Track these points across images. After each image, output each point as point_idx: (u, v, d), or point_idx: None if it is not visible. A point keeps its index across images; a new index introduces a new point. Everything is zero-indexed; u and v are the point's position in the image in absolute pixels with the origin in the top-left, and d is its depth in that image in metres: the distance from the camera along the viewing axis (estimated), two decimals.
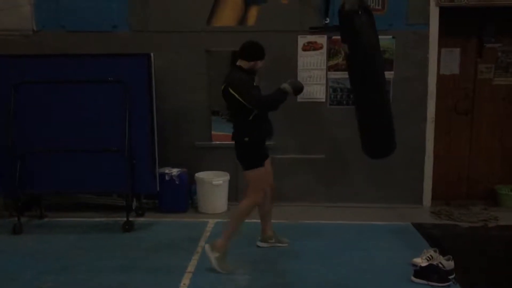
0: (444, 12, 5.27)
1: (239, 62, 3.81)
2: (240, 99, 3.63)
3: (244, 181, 3.97)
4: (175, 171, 5.26)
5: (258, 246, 4.24)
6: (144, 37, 5.36)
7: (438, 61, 5.43)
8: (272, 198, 4.20)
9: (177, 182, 5.22)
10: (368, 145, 4.30)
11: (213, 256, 3.70)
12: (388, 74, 5.34)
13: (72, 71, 4.79)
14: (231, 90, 3.66)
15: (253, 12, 5.36)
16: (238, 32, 5.31)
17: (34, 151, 4.79)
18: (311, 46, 5.36)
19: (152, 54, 4.85)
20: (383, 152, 4.34)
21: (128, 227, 4.71)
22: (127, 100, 4.71)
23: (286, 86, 3.77)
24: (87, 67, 4.81)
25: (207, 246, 3.76)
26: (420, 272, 3.56)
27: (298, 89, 3.83)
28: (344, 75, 5.34)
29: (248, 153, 3.79)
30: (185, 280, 3.60)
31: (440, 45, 5.38)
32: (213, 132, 5.55)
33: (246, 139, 3.75)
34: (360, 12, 3.82)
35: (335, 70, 5.40)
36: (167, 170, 5.24)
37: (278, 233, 4.35)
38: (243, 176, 3.93)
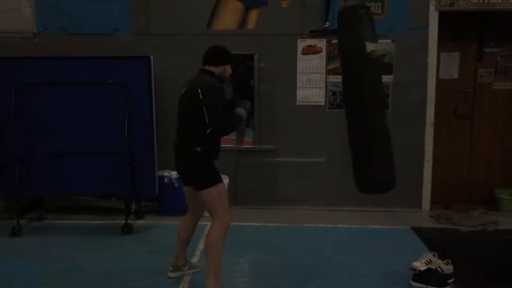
0: (443, 17, 5.29)
1: (208, 68, 3.41)
2: (204, 109, 3.17)
3: (205, 204, 3.32)
4: (174, 173, 5.25)
5: (170, 277, 3.67)
6: (144, 40, 5.38)
7: (437, 65, 5.44)
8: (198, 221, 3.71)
9: (176, 185, 5.21)
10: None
11: None
12: (388, 78, 5.37)
13: (73, 73, 4.81)
14: (200, 95, 3.18)
15: (253, 15, 5.37)
16: (239, 35, 5.33)
17: (35, 154, 4.80)
18: (310, 50, 5.37)
19: (152, 57, 4.86)
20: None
21: (127, 229, 4.71)
22: (127, 103, 4.73)
23: (242, 112, 3.38)
24: (88, 70, 4.83)
25: None
26: (419, 276, 3.56)
27: (248, 112, 3.47)
28: None
29: (204, 167, 3.26)
30: (184, 284, 3.60)
31: (440, 49, 5.40)
32: None
33: (199, 148, 3.22)
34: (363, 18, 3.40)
35: (334, 74, 5.41)
36: (166, 173, 5.25)
37: (277, 237, 4.33)
38: (202, 199, 3.28)
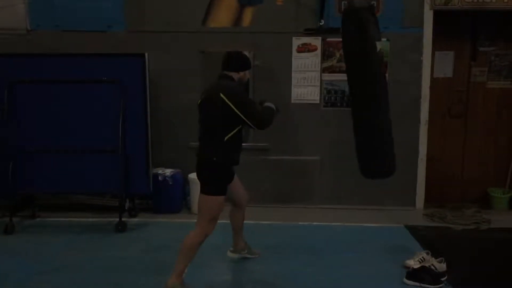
0: (438, 16, 5.30)
1: (227, 73, 3.47)
2: (238, 112, 3.23)
3: (199, 206, 3.39)
4: (168, 171, 5.25)
5: (228, 256, 3.99)
6: (139, 37, 5.36)
7: (432, 64, 5.45)
8: (245, 209, 3.88)
9: (170, 183, 5.21)
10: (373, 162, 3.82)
11: None
12: None
13: (67, 70, 4.79)
14: (226, 100, 3.22)
15: (248, 13, 5.36)
16: (233, 33, 5.33)
17: (28, 151, 4.77)
18: (305, 48, 5.37)
19: (146, 54, 4.85)
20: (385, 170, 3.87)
21: (121, 227, 4.70)
22: (121, 100, 4.71)
23: (271, 105, 3.55)
24: (82, 67, 4.80)
25: None
26: (413, 274, 3.58)
27: (277, 111, 3.59)
28: (338, 77, 5.38)
29: (215, 176, 3.33)
30: None
31: (434, 48, 5.41)
32: None
33: (215, 158, 3.30)
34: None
35: (329, 72, 5.41)
36: (160, 171, 5.23)
37: (271, 235, 4.34)
38: (199, 200, 3.37)
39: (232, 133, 3.30)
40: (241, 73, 3.50)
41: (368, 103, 3.61)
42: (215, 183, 3.33)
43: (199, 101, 3.44)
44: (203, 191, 3.34)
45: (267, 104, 3.55)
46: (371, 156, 3.76)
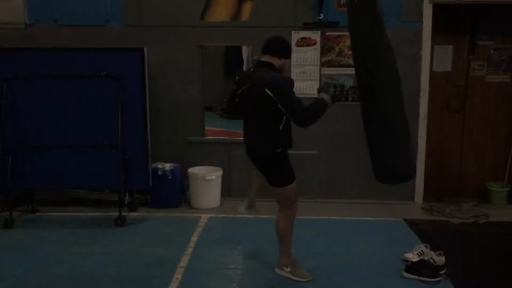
0: (437, 9, 5.29)
1: (268, 59, 3.26)
2: (281, 107, 3.12)
3: (275, 196, 3.48)
4: (168, 166, 5.25)
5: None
6: (137, 31, 5.34)
7: (431, 58, 5.45)
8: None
9: (170, 177, 5.21)
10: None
11: (287, 272, 3.54)
12: None
13: (65, 65, 4.76)
14: (271, 93, 3.10)
15: (247, 7, 5.35)
16: (232, 27, 5.32)
17: (26, 146, 4.76)
18: (304, 42, 5.36)
19: (145, 49, 4.83)
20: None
21: (120, 222, 4.70)
22: (120, 95, 4.70)
23: (326, 97, 3.24)
24: (80, 62, 4.78)
25: (277, 270, 3.60)
26: (411, 267, 3.59)
27: (338, 100, 3.40)
28: (338, 71, 5.38)
29: (281, 167, 3.32)
30: (178, 275, 3.61)
31: (433, 42, 5.40)
32: (206, 128, 5.55)
33: (279, 150, 3.25)
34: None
35: (328, 66, 5.41)
36: (159, 165, 5.23)
37: (269, 229, 4.33)
38: (274, 192, 3.43)
39: (284, 121, 3.21)
40: (283, 60, 3.30)
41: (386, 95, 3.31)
42: (285, 173, 3.35)
43: (239, 91, 3.34)
44: (277, 184, 3.35)
45: (321, 95, 3.25)
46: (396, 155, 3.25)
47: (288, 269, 3.54)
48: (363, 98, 3.34)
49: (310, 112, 3.21)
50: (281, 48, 3.30)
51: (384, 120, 3.21)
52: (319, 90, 3.36)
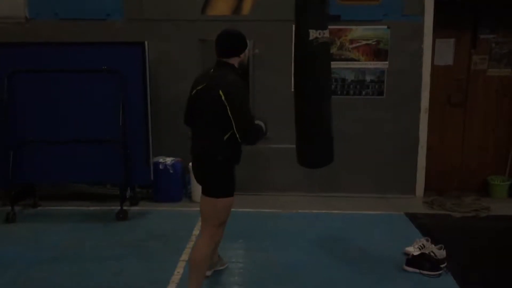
0: (439, 3, 5.27)
1: (227, 60, 2.99)
2: (230, 114, 2.81)
3: (205, 212, 3.00)
4: (169, 160, 5.26)
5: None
6: (138, 25, 5.33)
7: (432, 52, 5.44)
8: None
9: (171, 171, 5.22)
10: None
11: None
12: (383, 65, 5.37)
13: (66, 59, 4.75)
14: (224, 99, 2.80)
15: (248, 1, 5.33)
16: (233, 21, 5.29)
17: (27, 141, 4.77)
18: None
19: (146, 43, 4.82)
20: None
21: (122, 216, 4.72)
22: (121, 89, 4.70)
23: (262, 124, 3.05)
24: (81, 56, 4.77)
25: None
26: (412, 261, 3.60)
27: (263, 136, 3.07)
28: (338, 65, 5.37)
29: (221, 176, 2.93)
30: (179, 269, 3.62)
31: (435, 36, 5.39)
32: None
33: (220, 158, 2.89)
34: None
35: None
36: (161, 159, 5.24)
37: (269, 223, 4.34)
38: (204, 205, 2.98)
39: (229, 134, 2.88)
40: (242, 56, 3.03)
41: (297, 92, 3.48)
42: (223, 183, 2.93)
43: (194, 91, 3.05)
44: (209, 193, 2.92)
45: (257, 122, 3.02)
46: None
47: None
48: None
49: (256, 130, 2.95)
50: (238, 45, 3.02)
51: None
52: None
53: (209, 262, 3.20)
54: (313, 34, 3.25)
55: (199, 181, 3.03)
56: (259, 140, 2.99)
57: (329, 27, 5.29)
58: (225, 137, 2.88)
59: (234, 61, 3.00)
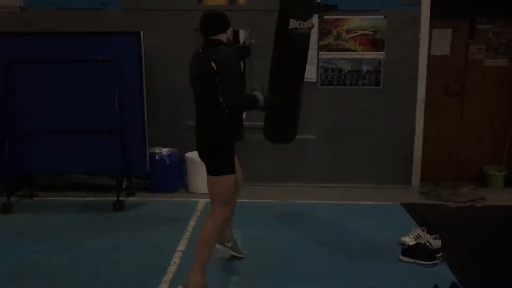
0: None
1: (215, 37, 3.05)
2: (218, 81, 2.86)
3: (210, 191, 3.12)
4: (165, 150, 5.25)
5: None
6: (134, 15, 5.29)
7: (429, 42, 5.42)
8: (238, 194, 3.53)
9: (167, 162, 5.22)
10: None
11: None
12: (379, 55, 5.36)
13: (61, 49, 4.72)
14: (213, 65, 2.86)
15: None
16: (229, 11, 5.22)
17: (24, 131, 4.75)
18: None
19: (142, 33, 4.79)
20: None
21: (118, 206, 4.72)
22: (117, 80, 4.67)
23: (260, 98, 3.03)
24: (76, 46, 4.74)
25: None
26: (408, 251, 3.62)
27: (268, 106, 3.15)
28: (335, 55, 5.36)
29: (219, 156, 3.03)
30: (176, 259, 3.63)
31: (432, 26, 5.37)
32: None
33: (218, 138, 3.00)
34: None
35: (326, 50, 5.38)
36: (157, 150, 5.23)
37: (267, 213, 4.36)
38: (209, 184, 3.10)
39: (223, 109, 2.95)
40: (228, 32, 3.11)
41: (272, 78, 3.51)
42: (222, 161, 3.03)
43: (190, 74, 3.12)
44: (210, 172, 3.05)
45: (255, 93, 3.06)
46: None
47: None
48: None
49: (243, 99, 2.98)
50: (222, 21, 3.11)
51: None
52: (254, 89, 3.15)
53: (222, 237, 3.43)
54: (293, 23, 3.29)
55: (202, 161, 3.13)
56: (247, 110, 3.18)
57: (325, 17, 5.34)
58: (223, 115, 2.94)
59: (222, 37, 3.07)
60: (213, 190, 3.09)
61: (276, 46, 3.48)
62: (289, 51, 3.40)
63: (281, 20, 3.39)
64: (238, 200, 3.70)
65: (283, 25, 3.36)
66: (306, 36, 3.45)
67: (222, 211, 3.11)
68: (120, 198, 4.77)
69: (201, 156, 3.13)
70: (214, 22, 3.09)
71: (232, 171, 3.07)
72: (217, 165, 3.03)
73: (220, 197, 3.07)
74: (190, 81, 3.12)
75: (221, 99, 2.88)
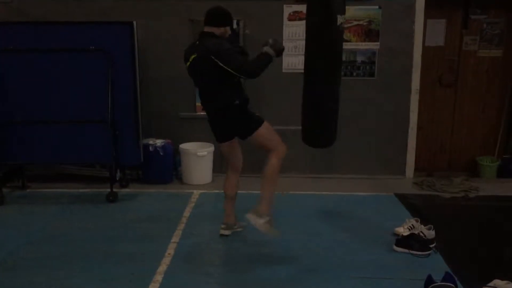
0: None
1: (209, 29, 3.50)
2: (227, 68, 3.30)
3: (259, 144, 3.53)
4: (159, 142, 5.22)
5: (222, 235, 3.86)
6: (127, 4, 5.24)
7: (423, 32, 5.41)
8: (239, 180, 3.90)
9: (161, 153, 5.19)
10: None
11: (262, 221, 3.38)
12: (374, 45, 5.34)
13: (53, 39, 4.67)
14: (214, 59, 3.31)
15: None
16: (223, 1, 5.19)
17: (15, 122, 4.71)
18: (296, 16, 5.29)
19: (135, 22, 4.75)
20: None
21: (112, 198, 4.69)
22: (109, 70, 4.63)
23: (269, 50, 3.39)
24: (68, 35, 4.69)
25: (250, 215, 3.40)
26: (402, 241, 3.63)
27: (280, 50, 3.48)
28: None
29: (244, 115, 3.49)
30: (170, 250, 3.62)
31: (426, 16, 5.35)
32: (197, 103, 5.49)
33: (236, 101, 3.42)
34: None
35: None
36: (151, 141, 5.20)
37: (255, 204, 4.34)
38: (255, 142, 3.52)
39: (234, 79, 3.42)
40: (222, 29, 3.53)
41: (309, 74, 3.55)
42: (251, 118, 3.49)
43: (188, 63, 3.52)
44: (249, 132, 3.47)
45: (265, 49, 3.40)
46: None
47: (267, 219, 3.40)
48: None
49: (255, 64, 3.37)
50: (219, 18, 3.55)
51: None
52: (264, 45, 3.44)
53: (231, 221, 3.87)
54: (339, 20, 3.35)
55: (229, 135, 3.60)
56: (262, 69, 3.37)
57: None
58: (231, 86, 3.43)
59: (215, 30, 3.49)
60: (263, 141, 3.52)
61: (319, 46, 3.39)
62: (337, 47, 3.46)
63: (323, 17, 3.32)
64: (231, 192, 3.71)
65: (328, 23, 3.32)
66: (343, 29, 3.56)
67: (281, 149, 3.54)
68: (114, 190, 4.75)
69: (229, 128, 3.54)
70: (216, 14, 3.55)
71: (262, 120, 3.52)
72: (250, 122, 3.48)
73: (272, 140, 3.53)
74: (190, 66, 3.51)
75: (239, 75, 3.35)
